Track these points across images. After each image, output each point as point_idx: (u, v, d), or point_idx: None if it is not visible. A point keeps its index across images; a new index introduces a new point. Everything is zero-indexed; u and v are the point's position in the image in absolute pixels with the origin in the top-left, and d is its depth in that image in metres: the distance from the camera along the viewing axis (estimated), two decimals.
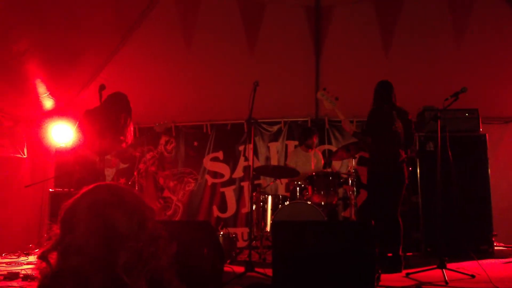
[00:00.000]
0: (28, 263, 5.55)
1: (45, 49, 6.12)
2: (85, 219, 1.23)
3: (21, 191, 6.94)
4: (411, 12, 6.59)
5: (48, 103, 7.00)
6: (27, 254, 6.37)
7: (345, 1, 6.75)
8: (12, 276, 4.37)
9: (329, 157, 7.26)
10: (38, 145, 7.43)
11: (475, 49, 6.72)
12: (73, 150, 4.93)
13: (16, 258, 6.05)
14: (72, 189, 6.58)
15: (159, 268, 1.27)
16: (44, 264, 1.25)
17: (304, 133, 6.94)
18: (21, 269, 4.82)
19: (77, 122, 4.94)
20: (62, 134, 7.20)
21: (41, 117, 7.29)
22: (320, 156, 6.94)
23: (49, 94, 6.81)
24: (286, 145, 7.82)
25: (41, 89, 6.67)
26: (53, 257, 1.26)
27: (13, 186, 6.92)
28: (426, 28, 6.74)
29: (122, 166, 5.10)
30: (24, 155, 7.09)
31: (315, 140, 6.84)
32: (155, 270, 1.26)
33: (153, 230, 1.29)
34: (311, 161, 6.76)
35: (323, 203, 5.82)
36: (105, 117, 4.73)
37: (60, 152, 7.19)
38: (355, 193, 6.38)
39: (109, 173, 6.82)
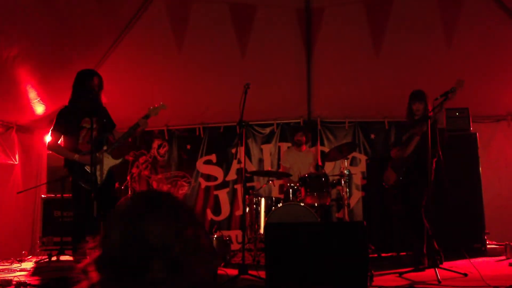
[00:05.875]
0: (21, 270, 5.51)
1: (36, 55, 6.09)
2: (117, 229, 1.18)
3: (13, 197, 6.91)
4: (401, 13, 6.62)
5: (39, 108, 6.96)
6: (20, 261, 6.33)
7: (335, 2, 6.77)
8: (5, 283, 4.33)
9: (321, 158, 7.28)
10: (30, 151, 7.40)
11: (465, 48, 6.76)
12: (54, 152, 4.74)
13: (9, 265, 6.01)
14: (67, 195, 6.57)
15: (198, 282, 1.18)
16: (84, 277, 1.21)
17: (291, 131, 7.00)
18: (14, 276, 4.79)
19: (54, 122, 4.67)
20: (51, 140, 7.16)
21: (32, 123, 7.26)
22: (313, 156, 6.95)
23: (40, 99, 6.78)
24: (279, 147, 7.83)
25: (32, 94, 6.64)
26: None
27: (5, 193, 6.89)
28: (416, 28, 6.77)
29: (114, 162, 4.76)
30: (16, 161, 7.05)
31: (301, 137, 6.79)
32: (193, 283, 1.17)
33: (193, 240, 1.20)
34: (304, 160, 6.77)
35: (316, 205, 5.83)
36: (79, 111, 4.54)
37: (52, 158, 7.16)
38: (348, 194, 6.40)
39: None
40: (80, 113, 4.53)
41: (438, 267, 4.16)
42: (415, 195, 4.89)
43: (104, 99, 4.73)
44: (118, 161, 4.66)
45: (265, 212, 5.98)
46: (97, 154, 4.48)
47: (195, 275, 1.17)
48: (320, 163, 7.04)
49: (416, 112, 5.04)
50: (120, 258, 1.14)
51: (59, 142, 4.61)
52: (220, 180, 7.92)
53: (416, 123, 4.99)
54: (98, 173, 4.49)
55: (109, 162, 4.60)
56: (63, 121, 4.57)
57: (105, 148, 4.61)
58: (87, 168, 4.44)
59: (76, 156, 4.46)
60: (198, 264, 1.19)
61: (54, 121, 4.63)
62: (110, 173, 4.60)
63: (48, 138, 6.93)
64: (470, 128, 6.14)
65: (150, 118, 4.83)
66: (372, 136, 7.67)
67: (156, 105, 4.84)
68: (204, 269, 1.20)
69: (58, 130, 4.58)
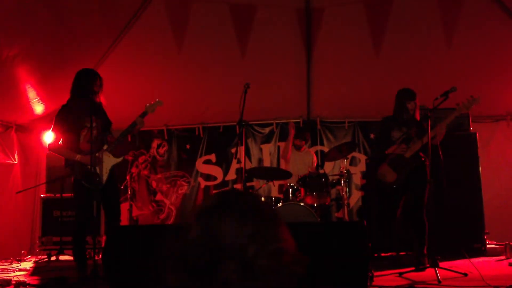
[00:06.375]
0: (21, 270, 5.51)
1: (35, 54, 6.09)
2: (194, 228, 1.15)
3: (13, 197, 6.90)
4: (401, 13, 6.62)
5: (38, 108, 6.95)
6: (19, 261, 6.33)
7: (335, 2, 6.77)
8: (4, 283, 4.33)
9: (321, 158, 7.28)
10: (29, 151, 7.39)
11: (465, 49, 6.77)
12: (55, 152, 4.67)
13: (9, 264, 6.01)
14: (66, 194, 6.56)
15: None
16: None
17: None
18: (14, 276, 4.79)
19: (54, 122, 4.58)
20: (52, 140, 7.15)
21: (32, 122, 7.25)
22: (312, 156, 6.94)
23: (40, 99, 6.77)
24: (279, 147, 7.83)
25: (32, 94, 6.63)
26: None
27: (4, 192, 6.88)
28: (416, 28, 6.77)
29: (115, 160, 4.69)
30: (15, 160, 7.04)
31: (300, 142, 6.77)
32: None
33: (270, 243, 1.13)
34: (302, 160, 6.76)
35: (316, 204, 5.83)
36: (80, 110, 4.46)
37: (51, 157, 7.15)
38: (348, 193, 6.40)
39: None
40: (81, 112, 4.50)
41: (438, 267, 4.15)
42: (416, 195, 4.90)
43: (103, 100, 4.71)
44: (119, 160, 4.64)
45: None
46: (98, 154, 4.47)
47: (270, 281, 1.11)
48: (319, 163, 7.03)
49: (411, 111, 5.05)
50: (195, 256, 1.12)
51: (59, 142, 4.56)
52: (219, 180, 7.92)
53: (413, 123, 5.00)
54: (101, 172, 4.48)
55: (110, 161, 4.59)
56: (63, 120, 4.53)
57: (105, 147, 4.59)
58: (89, 168, 4.41)
59: (78, 157, 4.43)
60: (275, 269, 1.12)
61: (54, 121, 4.58)
62: (112, 172, 4.59)
63: (48, 138, 6.94)
64: (470, 128, 6.14)
65: (148, 116, 4.81)
66: (372, 136, 7.67)
67: (152, 102, 4.82)
68: (282, 275, 1.13)
69: (59, 130, 4.55)
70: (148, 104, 4.79)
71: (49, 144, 4.71)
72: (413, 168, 4.92)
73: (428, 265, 4.46)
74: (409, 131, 4.99)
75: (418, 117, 5.11)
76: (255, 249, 1.11)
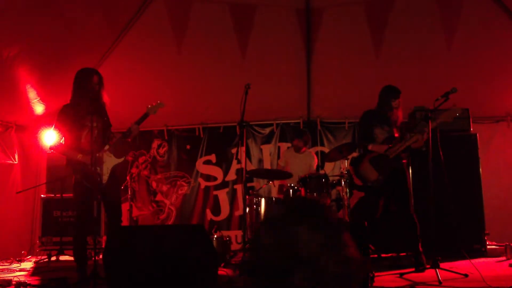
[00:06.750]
0: (21, 270, 5.51)
1: (36, 54, 6.09)
2: (264, 235, 1.18)
3: (13, 197, 6.90)
4: (401, 13, 6.62)
5: (39, 108, 6.95)
6: (20, 261, 6.32)
7: (335, 3, 6.77)
8: (5, 283, 4.33)
9: (322, 159, 7.28)
10: (29, 151, 7.38)
11: (465, 49, 6.76)
12: (57, 152, 4.65)
13: (9, 265, 6.01)
14: (66, 195, 6.55)
15: None
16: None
17: (290, 135, 7.00)
18: (14, 276, 4.78)
19: (55, 121, 4.56)
20: (53, 139, 7.15)
21: (32, 122, 7.25)
22: (313, 157, 6.94)
23: (40, 99, 6.77)
24: (279, 147, 7.82)
25: (32, 94, 6.63)
26: None
27: (4, 192, 6.88)
28: (416, 29, 6.77)
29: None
30: (15, 161, 7.04)
31: (298, 143, 6.77)
32: None
33: (339, 252, 1.16)
34: (303, 161, 6.76)
35: None
36: (81, 110, 4.43)
37: (52, 157, 7.14)
38: (348, 194, 6.39)
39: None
40: (82, 112, 4.49)
41: (439, 267, 4.15)
42: (398, 195, 4.91)
43: (106, 97, 4.70)
44: (120, 160, 4.66)
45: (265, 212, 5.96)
46: (99, 154, 4.46)
47: (339, 287, 1.14)
48: (319, 164, 7.04)
49: (395, 109, 5.07)
50: (267, 263, 1.14)
51: (61, 141, 4.56)
52: (219, 180, 7.91)
53: (395, 122, 5.03)
54: (102, 172, 4.49)
55: (112, 161, 4.61)
56: (65, 119, 4.52)
57: (107, 147, 4.59)
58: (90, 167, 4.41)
59: (79, 156, 4.43)
60: (344, 275, 1.15)
61: (56, 120, 4.57)
62: (113, 172, 4.59)
63: (48, 138, 6.95)
64: (470, 128, 6.14)
65: (149, 117, 4.80)
66: None
67: (154, 104, 4.80)
68: (349, 281, 1.16)
69: (60, 129, 4.55)
70: (149, 106, 4.77)
71: (50, 143, 4.73)
72: (394, 169, 4.92)
73: (428, 266, 4.46)
74: (392, 131, 5.02)
75: (401, 115, 5.12)
76: (327, 257, 1.13)
